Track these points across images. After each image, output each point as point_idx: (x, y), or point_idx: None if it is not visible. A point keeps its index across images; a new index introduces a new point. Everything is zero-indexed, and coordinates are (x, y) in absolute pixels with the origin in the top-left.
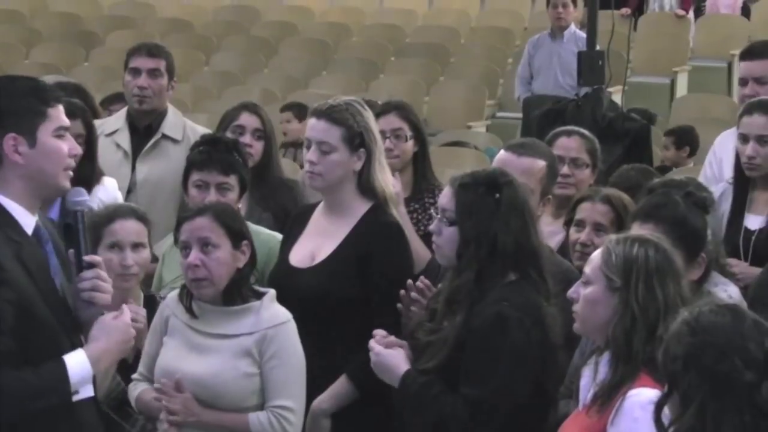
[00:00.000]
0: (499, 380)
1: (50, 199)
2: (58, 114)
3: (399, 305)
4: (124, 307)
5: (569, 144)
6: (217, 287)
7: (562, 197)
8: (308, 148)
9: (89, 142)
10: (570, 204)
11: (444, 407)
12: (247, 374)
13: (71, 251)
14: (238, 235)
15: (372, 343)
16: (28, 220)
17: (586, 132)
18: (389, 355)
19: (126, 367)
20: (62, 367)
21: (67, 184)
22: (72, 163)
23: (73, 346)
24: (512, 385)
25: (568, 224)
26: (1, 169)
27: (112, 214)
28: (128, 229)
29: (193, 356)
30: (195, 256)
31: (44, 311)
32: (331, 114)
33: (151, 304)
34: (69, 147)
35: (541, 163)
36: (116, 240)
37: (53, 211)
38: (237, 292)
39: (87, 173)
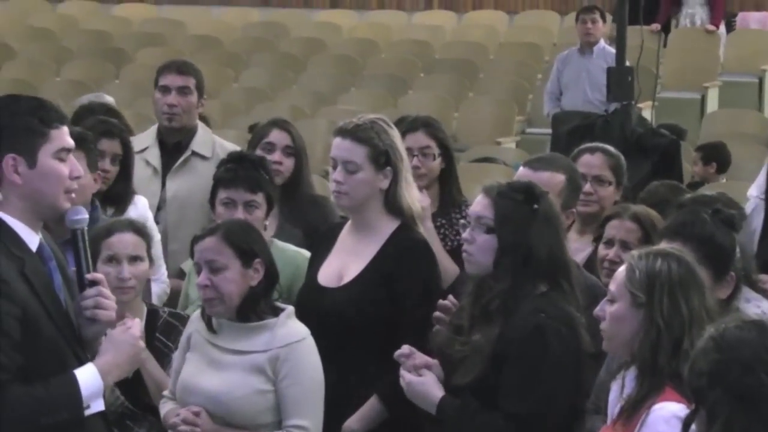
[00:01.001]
0: (541, 394)
1: (51, 219)
2: (61, 135)
3: (436, 327)
4: (136, 321)
5: (592, 161)
6: (228, 306)
7: (585, 215)
8: (334, 167)
9: (125, 162)
10: (597, 221)
11: (485, 427)
12: (260, 391)
13: (73, 269)
14: (248, 254)
15: (402, 372)
16: (31, 238)
17: (610, 148)
18: (420, 383)
19: (125, 381)
20: (73, 381)
21: (67, 205)
22: (74, 185)
23: (79, 362)
24: (554, 398)
25: (597, 241)
26: (1, 188)
27: (110, 227)
28: (125, 242)
29: (211, 372)
30: (203, 276)
31: (49, 326)
32: (355, 133)
33: (153, 318)
34: (71, 169)
35: (560, 177)
36: (113, 253)
37: None
38: (251, 309)
39: (121, 192)
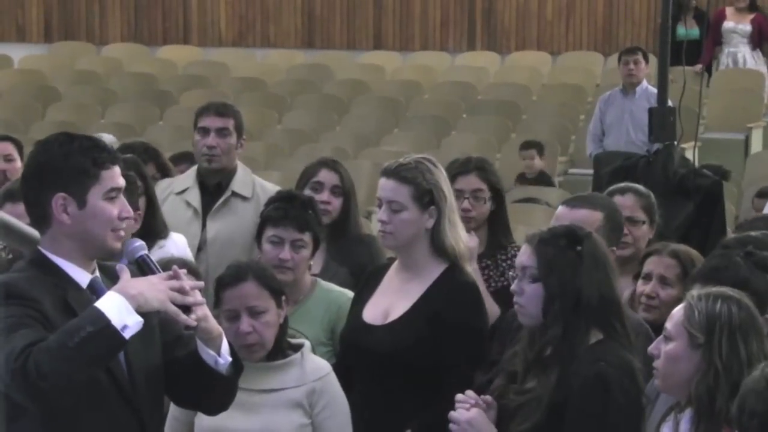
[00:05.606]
0: None
1: (101, 259)
2: (112, 176)
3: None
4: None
5: (623, 202)
6: (267, 349)
7: (620, 257)
8: (380, 207)
9: (148, 193)
10: (633, 261)
11: None
12: (301, 425)
13: None
14: (279, 293)
15: (454, 413)
16: (81, 276)
17: (640, 188)
18: (472, 421)
19: None
20: (92, 305)
21: (116, 245)
22: (122, 224)
23: (114, 380)
24: None
25: (636, 278)
26: (50, 228)
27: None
28: None
29: (238, 414)
30: (247, 323)
31: None
32: (399, 173)
33: None
34: (120, 209)
35: (597, 215)
36: None
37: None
38: (279, 347)
39: (151, 226)
